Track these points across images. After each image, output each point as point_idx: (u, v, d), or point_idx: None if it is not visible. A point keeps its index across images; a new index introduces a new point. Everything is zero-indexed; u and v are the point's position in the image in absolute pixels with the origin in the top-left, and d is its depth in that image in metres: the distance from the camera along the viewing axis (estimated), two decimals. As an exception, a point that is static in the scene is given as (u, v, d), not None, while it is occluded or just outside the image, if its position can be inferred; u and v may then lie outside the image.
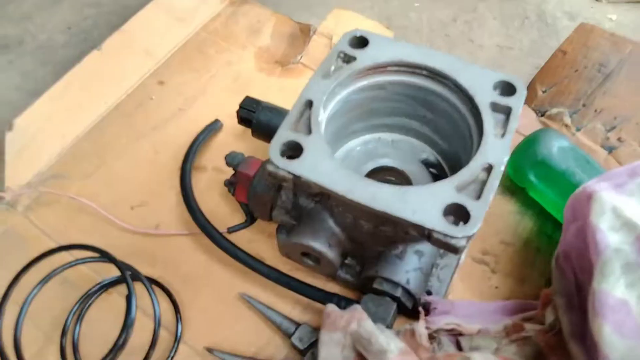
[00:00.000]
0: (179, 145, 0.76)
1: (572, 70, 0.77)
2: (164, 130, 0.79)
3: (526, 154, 0.68)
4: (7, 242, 0.68)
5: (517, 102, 0.55)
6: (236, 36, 0.90)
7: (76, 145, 0.77)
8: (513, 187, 0.72)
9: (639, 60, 0.76)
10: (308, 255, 0.61)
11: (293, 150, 0.52)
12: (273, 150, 0.51)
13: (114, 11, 0.96)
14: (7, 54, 0.88)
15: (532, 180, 0.68)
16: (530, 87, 0.79)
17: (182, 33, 0.89)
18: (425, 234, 0.47)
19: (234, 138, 0.78)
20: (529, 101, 0.79)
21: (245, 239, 0.68)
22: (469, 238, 0.47)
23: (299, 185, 0.51)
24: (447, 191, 0.49)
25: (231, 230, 0.68)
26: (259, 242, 0.68)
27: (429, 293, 0.61)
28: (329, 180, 0.49)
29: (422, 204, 0.48)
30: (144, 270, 0.65)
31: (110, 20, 0.94)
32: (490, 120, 0.54)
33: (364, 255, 0.61)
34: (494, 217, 0.70)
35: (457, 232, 0.46)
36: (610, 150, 0.73)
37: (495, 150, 0.51)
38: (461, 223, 0.47)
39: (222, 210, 0.71)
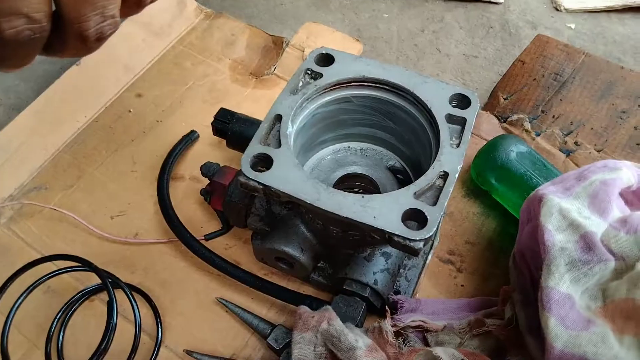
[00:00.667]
0: (156, 155, 0.79)
1: (531, 78, 0.81)
2: (142, 141, 0.81)
3: (487, 159, 0.72)
4: (-9, 254, 0.71)
5: (471, 114, 0.59)
6: (211, 49, 0.93)
7: (57, 157, 0.80)
8: (477, 190, 0.76)
9: (590, 69, 0.80)
10: (282, 260, 0.65)
11: (263, 163, 0.55)
12: (244, 162, 0.54)
13: (92, 25, 0.98)
14: (-13, 69, 0.90)
15: (493, 183, 0.72)
16: (493, 95, 0.84)
17: (158, 46, 0.92)
18: (386, 238, 0.51)
19: (210, 148, 0.81)
20: (492, 108, 0.83)
21: (221, 246, 0.71)
22: (426, 241, 0.50)
23: (270, 195, 0.54)
24: (406, 198, 0.52)
25: (208, 237, 0.71)
26: (235, 248, 0.71)
27: (397, 292, 0.65)
28: (297, 190, 0.52)
29: (383, 210, 0.51)
30: (125, 277, 0.68)
31: (89, 34, 0.96)
32: (446, 131, 0.58)
33: (335, 259, 0.64)
34: (460, 218, 0.74)
35: (415, 236, 0.49)
36: (568, 153, 0.77)
37: (450, 159, 0.55)
38: (419, 227, 0.50)
39: (199, 218, 0.74)
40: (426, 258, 0.68)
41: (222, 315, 0.66)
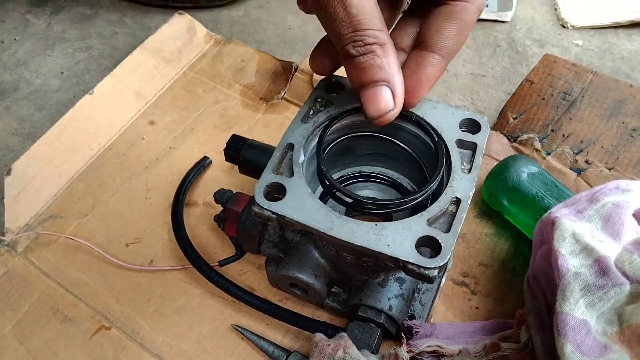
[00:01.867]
0: (170, 182, 0.80)
1: (540, 98, 0.82)
2: (155, 168, 0.82)
3: (498, 180, 0.73)
4: (9, 284, 0.72)
5: (481, 139, 0.59)
6: (222, 75, 0.94)
7: (72, 185, 0.81)
8: (489, 210, 0.76)
9: (599, 88, 0.81)
10: (296, 286, 0.65)
11: (277, 192, 0.56)
12: (258, 192, 0.55)
13: (104, 54, 1.00)
14: (4, 100, 0.92)
15: (505, 204, 0.72)
16: (502, 114, 0.84)
17: (170, 74, 0.94)
18: (400, 266, 0.51)
19: (222, 174, 0.82)
20: (501, 128, 0.83)
21: (235, 271, 0.72)
22: (440, 268, 0.50)
23: (284, 224, 0.54)
24: (419, 225, 0.52)
25: (222, 263, 0.71)
26: (249, 273, 0.72)
27: (412, 317, 0.65)
28: (311, 219, 0.53)
29: (396, 238, 0.52)
30: (141, 305, 0.69)
31: (101, 63, 0.98)
32: (457, 156, 0.58)
33: (349, 284, 0.65)
34: (472, 240, 0.74)
35: (429, 264, 0.50)
36: (579, 172, 0.77)
37: (462, 184, 0.55)
38: (433, 254, 0.51)
39: (213, 244, 0.75)
40: (440, 281, 0.68)
41: (238, 342, 0.66)
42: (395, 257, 0.50)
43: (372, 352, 0.59)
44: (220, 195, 0.70)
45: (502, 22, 1.04)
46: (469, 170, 0.57)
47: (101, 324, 0.68)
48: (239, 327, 0.66)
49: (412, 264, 0.50)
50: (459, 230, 0.53)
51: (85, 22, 1.06)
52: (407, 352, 0.59)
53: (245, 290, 0.66)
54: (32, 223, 0.77)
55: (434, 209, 0.54)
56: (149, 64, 0.93)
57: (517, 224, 0.73)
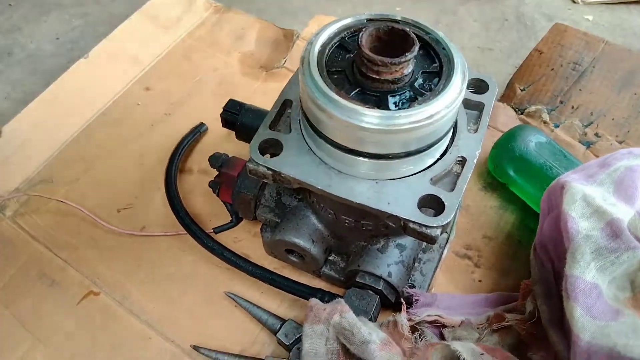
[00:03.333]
0: (164, 148, 0.77)
1: (549, 68, 0.79)
2: (150, 134, 0.80)
3: (505, 150, 0.70)
4: (-5, 247, 0.69)
5: (489, 98, 0.57)
6: (221, 42, 0.92)
7: (64, 151, 0.78)
8: (495, 183, 0.73)
9: (610, 58, 0.78)
10: (292, 252, 0.63)
11: (273, 148, 0.53)
12: (253, 148, 0.52)
13: (101, 20, 0.98)
14: (-4, 64, 0.89)
15: (511, 175, 0.69)
16: (510, 86, 0.81)
17: (167, 40, 0.91)
18: (401, 225, 0.48)
19: (219, 140, 0.79)
20: (508, 99, 0.81)
21: (231, 239, 0.69)
22: (443, 228, 0.48)
23: (280, 181, 0.52)
24: (422, 183, 0.50)
25: (217, 230, 0.69)
26: (244, 241, 0.69)
27: (412, 287, 0.62)
28: (308, 176, 0.50)
29: (397, 196, 0.49)
30: (131, 271, 0.67)
31: (97, 29, 0.96)
32: (463, 116, 0.55)
33: (347, 251, 0.62)
34: (477, 212, 0.71)
35: (432, 222, 0.47)
36: (588, 145, 0.74)
37: (468, 144, 0.53)
38: (436, 214, 0.48)
39: (208, 211, 0.72)
40: (442, 252, 0.65)
41: (231, 310, 0.64)
42: (396, 216, 0.48)
43: (370, 320, 0.57)
44: (215, 159, 0.67)
45: (511, -5, 1.01)
46: (476, 131, 0.54)
47: (89, 289, 0.66)
48: (232, 294, 0.64)
49: (414, 222, 0.47)
50: (464, 190, 0.50)
51: (82, -11, 1.04)
52: (407, 320, 0.57)
53: (240, 256, 0.64)
54: (22, 187, 0.75)
55: (437, 168, 0.51)
56: (147, 30, 0.91)
57: (523, 196, 0.70)
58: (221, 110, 0.71)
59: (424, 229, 0.47)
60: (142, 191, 0.74)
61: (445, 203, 0.48)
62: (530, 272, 0.61)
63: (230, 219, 0.70)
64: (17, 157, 0.76)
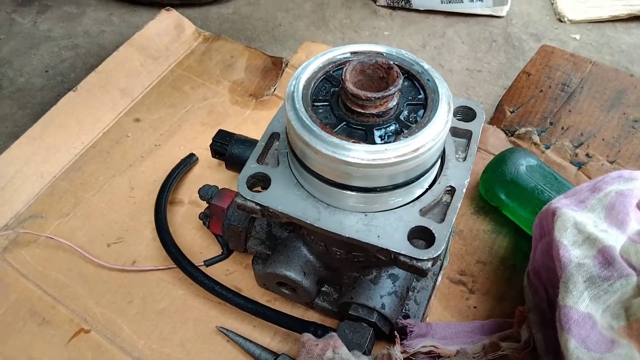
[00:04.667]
0: (155, 180, 0.77)
1: (537, 90, 0.79)
2: (140, 166, 0.79)
3: (495, 174, 0.70)
4: (-15, 286, 0.68)
5: (476, 126, 0.56)
6: (210, 71, 0.92)
7: (54, 184, 0.78)
8: (487, 206, 0.73)
9: (598, 78, 0.78)
10: (284, 285, 0.62)
11: (261, 182, 0.53)
12: (241, 183, 0.52)
13: (91, 52, 0.98)
14: (-15, 99, 0.89)
15: (503, 199, 0.69)
16: (499, 108, 0.81)
17: (156, 71, 0.91)
18: (392, 259, 0.48)
19: (209, 171, 0.79)
20: (498, 122, 0.81)
21: (222, 272, 0.68)
22: (434, 260, 0.47)
23: (268, 215, 0.51)
24: (411, 215, 0.50)
25: (208, 263, 0.68)
26: (236, 273, 0.68)
27: (407, 317, 0.62)
28: (297, 210, 0.50)
29: (387, 228, 0.49)
30: (122, 307, 0.66)
31: (88, 61, 0.96)
32: (451, 144, 0.55)
33: (340, 282, 0.61)
34: (470, 237, 0.71)
35: (422, 255, 0.46)
36: (580, 166, 0.74)
37: (457, 173, 0.53)
38: (426, 245, 0.48)
39: (199, 244, 0.71)
40: (436, 279, 0.65)
41: (223, 345, 0.63)
42: (386, 249, 0.47)
43: (364, 353, 0.56)
44: (205, 191, 0.67)
45: (498, 17, 1.02)
46: (464, 159, 0.54)
47: (80, 327, 0.65)
48: (224, 329, 0.63)
49: (404, 255, 0.47)
50: (454, 221, 0.50)
51: (71, 21, 1.04)
52: (402, 352, 0.56)
53: (231, 290, 0.63)
54: (11, 223, 0.74)
55: (427, 199, 0.51)
56: (135, 61, 0.91)
57: (515, 219, 0.70)
58: (211, 140, 0.71)
59: (414, 262, 0.47)
60: (132, 224, 0.73)
61: (436, 235, 0.48)
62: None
63: (221, 251, 0.69)
64: (6, 192, 0.76)
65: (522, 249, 0.69)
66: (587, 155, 0.74)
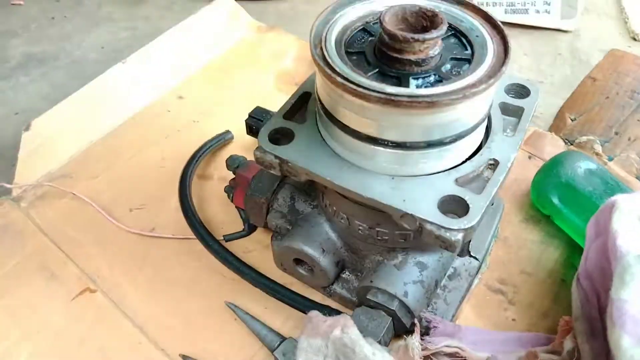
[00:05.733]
0: (187, 153, 0.74)
1: (603, 97, 0.72)
2: (175, 139, 0.78)
3: (549, 176, 0.63)
4: (4, 236, 0.67)
5: (529, 103, 0.51)
6: (259, 59, 0.91)
7: (89, 149, 0.77)
8: (538, 215, 0.66)
9: (676, 85, 0.70)
10: (301, 264, 0.57)
11: (284, 137, 0.49)
12: (262, 135, 0.49)
13: (148, 34, 0.99)
14: (42, 67, 0.92)
15: (556, 204, 0.62)
16: (559, 115, 0.75)
17: (206, 54, 0.91)
18: (417, 227, 0.42)
19: (244, 150, 0.76)
20: (557, 130, 0.74)
21: (241, 249, 0.64)
22: (466, 233, 0.41)
23: (287, 172, 0.48)
24: (445, 183, 0.44)
25: (227, 238, 0.64)
26: (255, 252, 0.64)
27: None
28: (317, 166, 0.46)
29: (415, 193, 0.43)
30: (133, 271, 0.63)
31: (143, 41, 0.97)
32: (499, 120, 0.50)
33: (362, 267, 0.56)
34: (515, 245, 0.64)
35: (452, 224, 0.41)
36: (647, 181, 0.66)
37: (502, 147, 0.47)
38: (458, 216, 0.42)
39: (221, 219, 0.68)
40: (471, 281, 0.58)
41: (230, 323, 0.58)
42: (411, 215, 0.42)
43: (379, 344, 0.49)
44: (232, 161, 0.64)
45: (565, 31, 0.96)
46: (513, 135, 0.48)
47: (87, 286, 0.62)
48: (232, 305, 0.58)
49: (432, 223, 0.41)
50: (493, 194, 0.44)
51: (134, 6, 1.07)
52: (422, 349, 0.49)
53: (243, 263, 0.59)
54: (41, 180, 0.73)
55: (465, 169, 0.45)
56: (187, 42, 0.91)
57: (568, 229, 0.62)
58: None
59: (442, 231, 0.41)
60: (157, 193, 0.71)
61: (470, 205, 0.42)
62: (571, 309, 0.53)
63: (243, 227, 0.65)
64: (42, 150, 0.76)
65: (574, 263, 0.61)
66: (657, 169, 0.66)
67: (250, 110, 0.69)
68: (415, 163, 0.44)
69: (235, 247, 0.65)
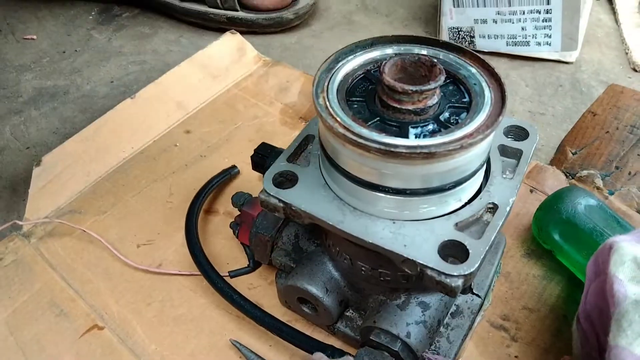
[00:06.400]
0: (194, 188, 0.76)
1: (603, 131, 0.73)
2: (182, 174, 0.79)
3: (550, 212, 0.64)
4: (15, 272, 0.69)
5: (528, 145, 0.52)
6: (265, 93, 0.92)
7: (98, 183, 0.79)
8: (539, 250, 0.67)
9: (675, 121, 0.71)
10: (305, 302, 0.58)
11: (288, 180, 0.50)
12: (267, 179, 0.50)
13: (155, 68, 1.02)
14: (53, 102, 0.94)
15: (557, 240, 0.63)
16: (560, 149, 0.76)
17: (214, 88, 0.93)
18: (418, 272, 0.43)
19: (250, 185, 0.77)
20: (558, 163, 0.75)
21: (245, 285, 0.65)
22: (466, 279, 0.42)
23: (291, 215, 0.49)
24: (445, 228, 0.45)
25: (232, 274, 0.65)
26: (259, 288, 0.65)
27: (436, 354, 0.55)
28: (320, 210, 0.47)
29: (416, 238, 0.44)
30: (140, 308, 0.64)
31: (151, 76, 1.00)
32: (498, 163, 0.51)
33: (365, 305, 0.57)
34: (518, 280, 0.64)
35: (453, 270, 0.42)
36: (648, 215, 0.67)
37: (501, 190, 0.48)
38: (458, 262, 0.43)
39: (227, 254, 0.69)
40: (474, 318, 0.58)
41: (235, 361, 0.59)
42: (412, 260, 0.43)
43: (382, 385, 0.50)
44: (238, 197, 0.65)
45: (566, 62, 0.97)
46: (512, 179, 0.49)
47: (95, 323, 0.63)
48: (237, 342, 0.59)
49: (432, 269, 0.42)
50: (492, 239, 0.45)
51: (143, 40, 1.09)
52: (424, 389, 0.50)
53: (248, 301, 0.60)
54: (51, 216, 0.75)
55: (464, 213, 0.46)
56: (194, 77, 0.93)
57: (570, 265, 0.63)
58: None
59: (443, 277, 0.42)
60: (165, 228, 0.72)
61: (470, 250, 0.43)
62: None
63: (248, 263, 0.66)
64: (52, 186, 0.77)
65: (576, 299, 0.61)
66: (657, 204, 0.67)
67: (256, 146, 0.71)
68: (416, 208, 0.45)
69: (240, 282, 0.66)
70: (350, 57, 0.50)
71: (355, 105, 0.46)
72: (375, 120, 0.44)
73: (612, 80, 0.93)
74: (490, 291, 0.62)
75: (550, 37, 0.97)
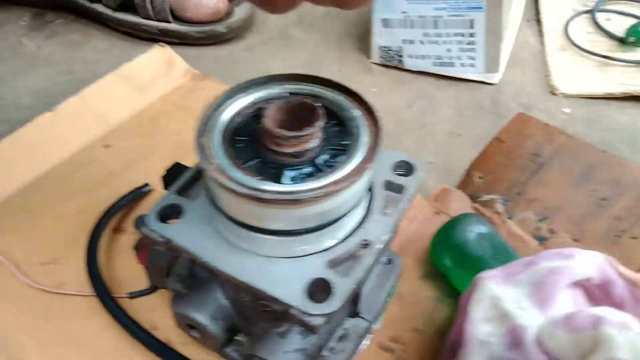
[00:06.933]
0: (106, 206, 0.76)
1: (508, 158, 0.76)
2: (96, 192, 0.79)
3: (443, 238, 0.66)
4: None
5: (412, 182, 0.54)
6: (190, 107, 0.92)
7: (8, 201, 0.78)
8: (435, 272, 0.69)
9: (569, 151, 0.74)
10: (193, 328, 0.58)
11: (175, 214, 0.51)
12: (151, 212, 0.50)
13: (83, 79, 1.00)
14: (-28, 112, 0.92)
15: (448, 265, 0.65)
16: (468, 173, 0.78)
17: (138, 102, 0.92)
18: (285, 310, 0.45)
19: (163, 204, 0.77)
20: (465, 187, 0.77)
21: (146, 306, 0.66)
22: (328, 318, 0.44)
23: (173, 250, 0.49)
24: (316, 266, 0.46)
25: (133, 295, 0.66)
26: (159, 310, 0.65)
27: (321, 380, 0.57)
28: (197, 246, 0.48)
29: (286, 276, 0.45)
30: (37, 328, 0.63)
31: (78, 87, 0.98)
32: (380, 198, 0.52)
33: (253, 333, 0.58)
34: (411, 302, 0.67)
35: (313, 309, 0.43)
36: (542, 240, 0.70)
37: (376, 227, 0.49)
38: (323, 300, 0.44)
39: (132, 275, 0.69)
40: (358, 342, 0.60)
41: (128, 385, 0.60)
42: (278, 299, 0.44)
43: (262, 413, 0.51)
44: (141, 221, 0.65)
45: (489, 84, 1.00)
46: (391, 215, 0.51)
47: (-11, 346, 0.62)
48: (131, 366, 0.60)
49: (294, 308, 0.43)
50: (361, 278, 0.46)
51: (74, 48, 1.08)
52: (302, 417, 0.51)
53: (136, 323, 0.60)
54: (-44, 234, 0.74)
55: (338, 250, 0.48)
56: (118, 90, 0.92)
57: (461, 289, 0.65)
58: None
59: (304, 316, 0.43)
60: (71, 248, 0.72)
61: (333, 289, 0.44)
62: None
63: (151, 284, 0.67)
64: (-41, 201, 0.76)
65: (467, 323, 0.64)
66: (550, 230, 0.70)
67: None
68: (290, 247, 0.46)
69: (140, 304, 0.66)
70: (242, 95, 0.51)
71: (240, 145, 0.47)
72: (256, 161, 0.45)
73: (531, 103, 0.96)
74: (382, 314, 0.64)
75: (474, 59, 0.99)
